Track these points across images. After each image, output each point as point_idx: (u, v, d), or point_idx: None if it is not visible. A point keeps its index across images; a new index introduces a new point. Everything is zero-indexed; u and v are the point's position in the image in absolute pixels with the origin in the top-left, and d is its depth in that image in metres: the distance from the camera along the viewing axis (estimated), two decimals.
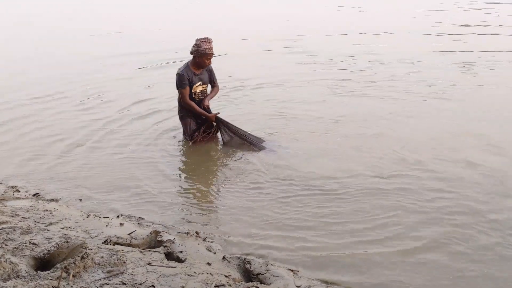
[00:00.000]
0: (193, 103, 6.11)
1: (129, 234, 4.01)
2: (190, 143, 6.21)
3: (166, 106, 7.98)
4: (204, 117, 6.19)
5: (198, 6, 25.05)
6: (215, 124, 6.26)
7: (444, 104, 7.85)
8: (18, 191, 4.94)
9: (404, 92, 8.61)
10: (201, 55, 5.91)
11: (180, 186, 5.30)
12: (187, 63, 6.08)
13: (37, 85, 9.57)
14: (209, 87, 6.35)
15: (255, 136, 6.28)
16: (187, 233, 4.20)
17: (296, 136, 6.57)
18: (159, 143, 6.44)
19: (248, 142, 6.16)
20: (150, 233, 4.06)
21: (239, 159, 5.90)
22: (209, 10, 22.89)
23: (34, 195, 4.85)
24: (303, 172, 5.44)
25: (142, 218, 4.51)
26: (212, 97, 6.32)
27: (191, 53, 5.99)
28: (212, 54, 5.95)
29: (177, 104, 6.36)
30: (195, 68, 6.05)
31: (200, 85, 6.11)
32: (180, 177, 5.56)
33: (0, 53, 13.39)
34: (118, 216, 4.48)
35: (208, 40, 5.90)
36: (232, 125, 6.22)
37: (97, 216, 4.40)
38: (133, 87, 9.43)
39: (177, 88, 6.09)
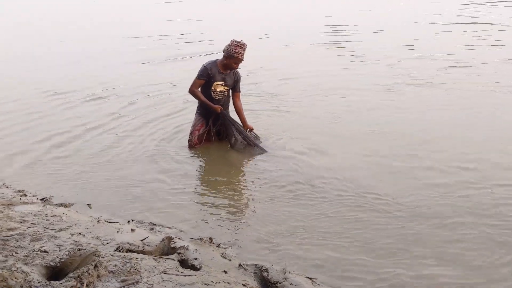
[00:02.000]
0: (198, 92, 6.10)
1: (141, 240, 3.93)
2: (188, 143, 6.15)
3: (175, 104, 7.93)
4: (210, 110, 6.14)
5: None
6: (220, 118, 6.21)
7: None
8: (25, 195, 4.87)
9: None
10: (230, 57, 5.92)
11: (190, 190, 5.22)
12: (217, 60, 6.10)
13: (48, 82, 9.56)
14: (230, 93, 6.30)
15: (256, 137, 6.25)
16: (201, 239, 4.12)
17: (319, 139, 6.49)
18: (168, 144, 6.38)
19: (251, 143, 6.11)
20: (162, 240, 3.98)
21: (250, 162, 5.85)
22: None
23: (42, 199, 4.78)
24: (320, 176, 5.36)
25: (154, 224, 4.43)
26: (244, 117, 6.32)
27: (223, 51, 6.01)
28: (241, 59, 5.95)
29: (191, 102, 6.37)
30: (221, 67, 6.03)
31: (222, 85, 6.08)
32: (190, 181, 5.47)
33: (11, 51, 13.27)
34: (129, 222, 4.41)
35: (242, 45, 5.90)
36: (236, 123, 6.18)
37: (107, 222, 4.32)
38: (139, 83, 9.37)
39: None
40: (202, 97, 6.09)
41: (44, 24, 17.65)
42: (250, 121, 6.51)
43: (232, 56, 5.91)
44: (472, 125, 6.88)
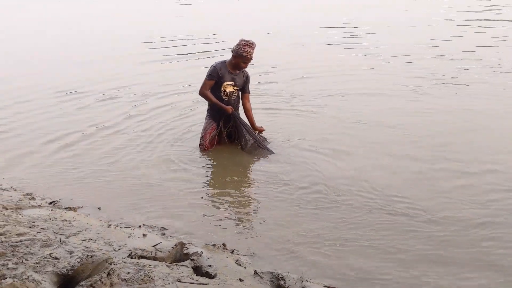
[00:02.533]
0: (209, 93, 6.02)
1: (153, 246, 3.85)
2: (199, 147, 6.07)
3: (185, 105, 7.88)
4: (221, 111, 6.06)
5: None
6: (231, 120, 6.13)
7: None
8: (34, 198, 4.80)
9: None
10: (238, 56, 5.86)
11: (201, 194, 5.14)
12: (225, 60, 6.04)
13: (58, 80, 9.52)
14: (239, 94, 6.23)
15: (264, 139, 6.19)
16: (214, 245, 4.03)
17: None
18: (178, 146, 6.29)
19: (261, 145, 6.04)
20: (175, 245, 3.90)
21: (262, 165, 5.76)
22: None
23: (50, 203, 4.71)
24: (338, 179, 5.25)
25: (165, 228, 4.35)
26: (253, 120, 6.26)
27: (232, 51, 5.95)
28: (250, 59, 5.88)
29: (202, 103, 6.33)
30: (231, 67, 5.97)
31: (231, 85, 6.00)
32: (201, 184, 5.38)
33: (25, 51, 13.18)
34: (140, 226, 4.32)
35: (250, 44, 5.84)
36: (247, 124, 6.11)
37: (118, 226, 4.24)
38: (149, 84, 9.30)
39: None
40: (213, 98, 6.01)
41: (56, 24, 17.59)
42: (266, 121, 6.46)
43: (241, 56, 5.84)
44: (498, 127, 6.78)
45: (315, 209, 4.68)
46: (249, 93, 6.22)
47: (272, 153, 5.97)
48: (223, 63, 6.03)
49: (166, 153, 6.06)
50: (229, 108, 5.99)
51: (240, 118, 6.12)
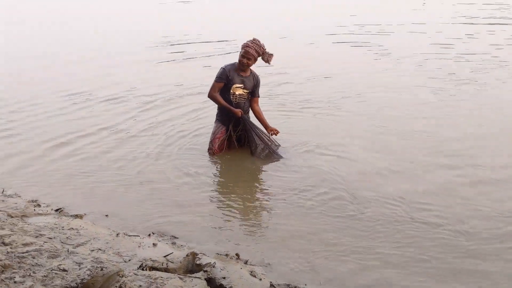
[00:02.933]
0: (218, 96, 5.92)
1: (164, 256, 3.73)
2: (208, 151, 5.95)
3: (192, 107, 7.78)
4: (230, 114, 5.94)
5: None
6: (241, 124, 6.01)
7: None
8: (39, 205, 4.67)
9: None
10: (241, 51, 5.81)
11: (211, 200, 5.02)
12: (235, 62, 5.94)
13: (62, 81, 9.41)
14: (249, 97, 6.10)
15: (274, 143, 6.06)
16: (226, 255, 3.91)
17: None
18: (186, 150, 6.17)
19: (271, 150, 5.93)
20: (187, 255, 3.77)
21: (275, 170, 5.63)
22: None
23: (56, 210, 4.58)
24: (355, 186, 5.11)
25: (175, 237, 4.23)
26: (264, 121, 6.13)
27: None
28: (248, 52, 5.75)
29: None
30: (239, 68, 5.84)
31: (241, 87, 5.89)
32: (211, 190, 5.26)
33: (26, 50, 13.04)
34: (149, 235, 4.19)
35: (253, 40, 5.81)
36: (256, 128, 5.99)
37: (127, 235, 4.11)
38: (155, 84, 9.19)
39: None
40: (222, 101, 5.90)
41: (55, 23, 17.45)
42: (281, 123, 6.40)
43: (241, 49, 5.81)
44: None
45: (333, 217, 4.55)
46: (258, 96, 6.10)
47: (282, 157, 5.84)
48: (233, 65, 5.93)
49: (174, 158, 5.94)
50: (239, 111, 5.88)
51: (250, 121, 6.01)
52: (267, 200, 5.00)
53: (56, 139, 6.53)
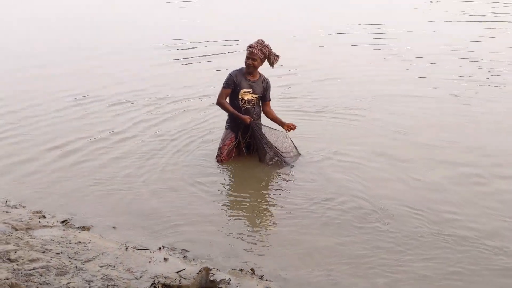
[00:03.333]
0: (226, 103, 5.82)
1: (177, 272, 3.60)
2: (216, 158, 5.83)
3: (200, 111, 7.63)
4: (239, 121, 5.80)
5: None
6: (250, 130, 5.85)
7: None
8: (44, 217, 4.54)
9: None
10: (246, 53, 5.71)
11: (221, 210, 4.89)
12: (242, 67, 5.80)
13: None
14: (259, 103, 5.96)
15: (296, 151, 5.93)
16: (241, 270, 3.78)
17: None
18: (194, 157, 6.01)
19: (280, 158, 5.78)
20: (200, 271, 3.64)
21: (288, 179, 5.49)
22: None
23: (62, 222, 4.44)
24: (379, 196, 4.95)
25: (186, 250, 4.09)
26: (278, 120, 5.99)
27: None
28: (252, 52, 5.61)
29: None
30: (247, 73, 5.73)
31: (250, 92, 5.75)
32: (220, 199, 5.12)
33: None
34: (160, 249, 4.06)
35: (258, 40, 5.71)
36: (265, 136, 5.84)
37: (136, 249, 3.99)
38: (163, 87, 9.00)
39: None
40: (230, 108, 5.78)
41: (60, 21, 17.23)
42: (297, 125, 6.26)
43: (246, 51, 5.70)
44: None
45: (355, 228, 4.41)
46: (270, 100, 5.96)
47: (291, 165, 5.71)
48: (240, 70, 5.81)
49: (182, 165, 5.78)
50: (247, 118, 5.74)
51: (259, 128, 5.86)
52: (281, 211, 4.83)
53: (60, 144, 6.39)
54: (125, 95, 8.42)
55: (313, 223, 4.51)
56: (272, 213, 4.81)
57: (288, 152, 5.93)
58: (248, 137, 5.87)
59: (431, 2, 20.80)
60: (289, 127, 5.87)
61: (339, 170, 5.57)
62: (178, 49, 12.26)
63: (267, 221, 4.68)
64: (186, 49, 12.31)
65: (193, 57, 11.52)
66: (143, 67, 10.57)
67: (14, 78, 9.75)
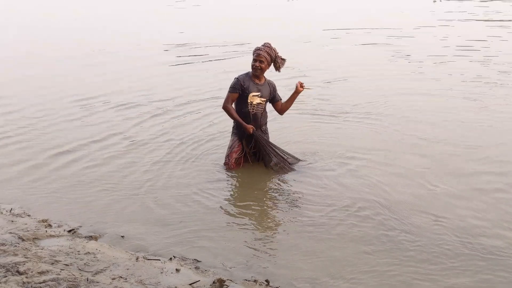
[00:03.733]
0: (231, 109, 5.74)
1: (190, 284, 3.52)
2: (224, 166, 5.76)
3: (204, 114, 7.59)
4: (243, 129, 5.73)
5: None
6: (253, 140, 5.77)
7: None
8: (50, 226, 4.45)
9: None
10: (252, 56, 5.65)
11: (231, 219, 4.79)
12: (249, 72, 5.73)
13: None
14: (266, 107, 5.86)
15: (295, 158, 5.86)
16: (255, 281, 3.70)
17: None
18: (201, 162, 5.95)
19: (286, 165, 5.72)
20: (213, 282, 3.58)
21: (302, 186, 5.37)
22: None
23: (69, 231, 4.35)
24: (397, 205, 4.86)
25: (198, 261, 4.01)
26: (291, 103, 5.83)
27: None
28: (258, 54, 5.55)
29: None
30: (255, 77, 5.66)
31: (258, 96, 5.66)
32: (230, 207, 5.03)
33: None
34: (171, 259, 3.97)
35: (265, 43, 5.65)
36: (270, 144, 5.77)
37: (147, 259, 3.90)
38: (166, 89, 8.94)
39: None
40: (235, 115, 5.71)
41: (63, 22, 17.16)
42: (307, 127, 6.31)
43: (253, 54, 5.64)
44: None
45: (370, 237, 4.32)
46: (280, 99, 5.86)
47: (298, 171, 5.65)
48: (247, 74, 5.74)
49: (190, 171, 5.72)
50: (250, 128, 5.66)
51: (263, 137, 5.78)
52: (296, 218, 4.73)
53: (65, 147, 6.36)
54: (132, 98, 8.35)
55: (330, 231, 4.43)
56: (286, 221, 4.72)
57: (292, 158, 5.86)
58: (252, 146, 5.79)
59: (434, 1, 20.79)
60: (298, 87, 5.69)
61: (356, 175, 5.51)
62: (185, 52, 12.18)
63: (281, 230, 4.59)
64: (193, 54, 12.19)
65: (199, 59, 11.44)
66: (149, 70, 10.50)
67: (18, 80, 9.67)
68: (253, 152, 5.85)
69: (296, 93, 5.74)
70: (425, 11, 18.36)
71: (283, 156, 5.77)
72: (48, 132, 6.85)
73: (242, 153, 5.81)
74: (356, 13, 17.82)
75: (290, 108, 5.96)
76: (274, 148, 5.78)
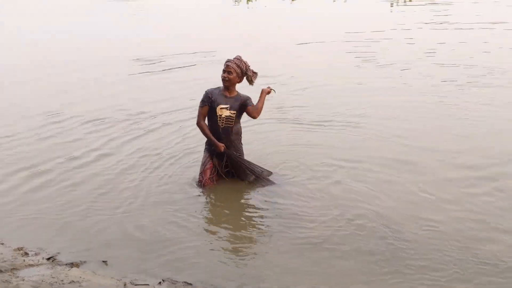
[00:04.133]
0: (204, 125, 5.63)
1: None
2: (198, 184, 5.63)
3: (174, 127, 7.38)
4: (213, 147, 5.63)
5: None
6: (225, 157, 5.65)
7: None
8: (27, 254, 4.23)
9: None
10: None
11: (219, 236, 4.68)
12: (220, 86, 5.62)
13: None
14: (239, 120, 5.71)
15: (267, 171, 5.74)
16: None
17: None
18: (176, 178, 5.77)
19: (265, 179, 5.63)
20: None
21: (287, 198, 5.29)
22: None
23: (48, 259, 4.15)
24: (389, 215, 4.81)
25: (188, 283, 3.89)
26: (261, 103, 5.60)
27: None
28: (228, 66, 5.45)
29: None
30: (225, 89, 5.56)
31: (227, 109, 5.53)
32: (211, 225, 4.91)
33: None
34: (160, 283, 3.84)
35: (236, 56, 5.56)
36: (243, 160, 5.67)
37: (135, 285, 3.76)
38: (138, 102, 8.68)
39: None
40: (207, 132, 5.62)
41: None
42: (288, 136, 6.21)
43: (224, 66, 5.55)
44: None
45: (365, 249, 4.26)
46: (253, 104, 5.65)
47: (274, 183, 5.58)
48: (217, 88, 5.65)
49: (166, 187, 5.55)
50: (221, 146, 5.55)
51: (235, 155, 5.65)
52: (286, 235, 4.58)
53: (37, 166, 6.09)
54: (101, 111, 8.08)
55: (325, 243, 4.37)
56: (276, 237, 4.59)
57: (267, 171, 5.77)
58: (224, 164, 5.69)
59: (391, 6, 21.15)
60: (265, 91, 5.61)
61: (344, 184, 5.47)
62: (153, 62, 11.88)
63: (272, 245, 4.47)
64: (161, 62, 11.92)
65: (170, 69, 11.20)
66: (118, 81, 10.21)
67: None
68: (226, 171, 5.74)
69: (263, 93, 5.62)
70: (385, 16, 18.65)
71: (258, 171, 5.67)
72: (19, 152, 6.54)
73: (215, 170, 5.70)
74: (320, 22, 17.85)
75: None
76: (247, 164, 5.67)
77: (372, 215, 4.80)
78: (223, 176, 5.70)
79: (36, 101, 8.82)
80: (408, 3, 21.48)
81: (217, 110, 5.54)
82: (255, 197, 5.42)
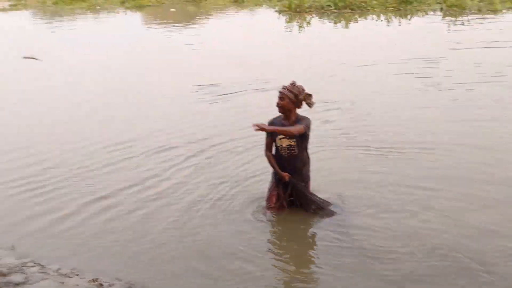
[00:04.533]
0: (270, 155, 5.55)
1: None
2: (263, 210, 5.59)
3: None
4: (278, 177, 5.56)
5: None
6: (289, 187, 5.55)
7: None
8: (102, 285, 4.26)
9: None
10: None
11: (284, 274, 4.61)
12: (281, 114, 5.50)
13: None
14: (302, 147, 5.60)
15: (327, 202, 5.59)
16: None
17: None
18: (242, 206, 5.74)
19: (328, 212, 5.50)
20: None
21: (347, 229, 5.17)
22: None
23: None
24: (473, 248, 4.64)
25: None
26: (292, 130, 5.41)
27: None
28: (281, 92, 5.33)
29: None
30: (284, 118, 5.45)
31: (286, 138, 5.41)
32: (279, 261, 4.83)
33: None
34: None
35: (291, 81, 5.45)
36: (307, 191, 5.55)
37: None
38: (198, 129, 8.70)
39: None
40: (272, 162, 5.56)
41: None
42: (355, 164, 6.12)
43: None
44: None
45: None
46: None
47: (338, 214, 5.46)
48: (279, 116, 5.52)
49: (232, 217, 5.51)
50: (285, 176, 5.47)
51: (300, 184, 5.54)
52: (365, 268, 4.49)
53: (101, 193, 6.20)
54: (165, 141, 8.06)
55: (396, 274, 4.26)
56: (354, 270, 4.46)
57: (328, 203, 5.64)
58: (288, 194, 5.59)
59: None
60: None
61: (422, 212, 5.34)
62: (213, 91, 11.96)
63: (356, 278, 4.35)
64: (221, 93, 11.98)
65: (228, 97, 11.20)
66: (178, 111, 10.25)
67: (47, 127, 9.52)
68: (290, 199, 5.62)
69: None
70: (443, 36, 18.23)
71: (319, 201, 5.54)
72: (94, 183, 6.61)
73: (281, 200, 5.61)
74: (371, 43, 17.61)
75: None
76: (311, 196, 5.55)
77: (458, 250, 4.60)
78: (285, 205, 5.60)
79: (108, 132, 8.98)
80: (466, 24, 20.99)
81: (276, 140, 5.46)
82: (325, 228, 5.27)
